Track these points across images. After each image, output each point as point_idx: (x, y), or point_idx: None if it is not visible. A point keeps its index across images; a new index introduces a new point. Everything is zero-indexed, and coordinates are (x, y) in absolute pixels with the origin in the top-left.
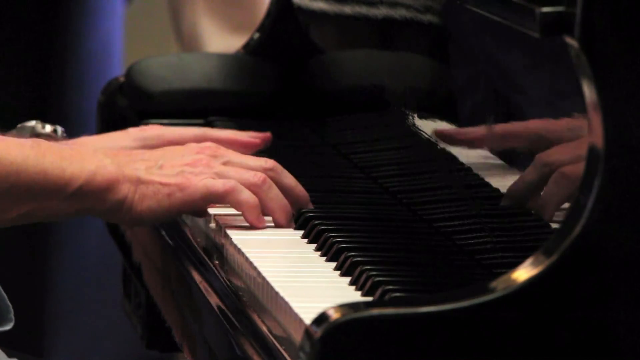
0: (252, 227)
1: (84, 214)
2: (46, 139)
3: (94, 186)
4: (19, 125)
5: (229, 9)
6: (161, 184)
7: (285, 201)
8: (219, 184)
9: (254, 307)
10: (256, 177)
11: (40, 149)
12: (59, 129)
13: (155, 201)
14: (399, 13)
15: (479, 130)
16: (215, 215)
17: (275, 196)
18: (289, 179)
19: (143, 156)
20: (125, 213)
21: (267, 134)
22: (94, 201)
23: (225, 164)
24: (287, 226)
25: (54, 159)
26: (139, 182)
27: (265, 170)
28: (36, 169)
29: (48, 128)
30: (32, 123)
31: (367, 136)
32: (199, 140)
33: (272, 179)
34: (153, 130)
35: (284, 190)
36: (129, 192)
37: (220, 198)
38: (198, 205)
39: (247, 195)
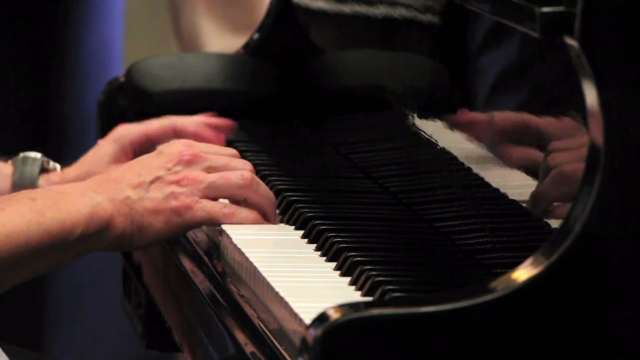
0: (255, 225)
1: (86, 254)
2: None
3: (93, 229)
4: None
5: (229, 9)
6: (155, 211)
7: (271, 193)
8: (217, 210)
9: (254, 306)
10: (243, 178)
11: (37, 206)
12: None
13: (154, 231)
14: (399, 13)
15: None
16: None
17: (263, 192)
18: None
19: (126, 177)
20: (126, 245)
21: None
22: (94, 242)
23: (207, 170)
24: (275, 220)
25: (53, 213)
26: (133, 212)
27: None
28: (40, 231)
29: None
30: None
31: (367, 136)
32: (165, 132)
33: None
34: (119, 132)
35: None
36: (125, 225)
37: (219, 222)
38: (195, 227)
39: (244, 215)
